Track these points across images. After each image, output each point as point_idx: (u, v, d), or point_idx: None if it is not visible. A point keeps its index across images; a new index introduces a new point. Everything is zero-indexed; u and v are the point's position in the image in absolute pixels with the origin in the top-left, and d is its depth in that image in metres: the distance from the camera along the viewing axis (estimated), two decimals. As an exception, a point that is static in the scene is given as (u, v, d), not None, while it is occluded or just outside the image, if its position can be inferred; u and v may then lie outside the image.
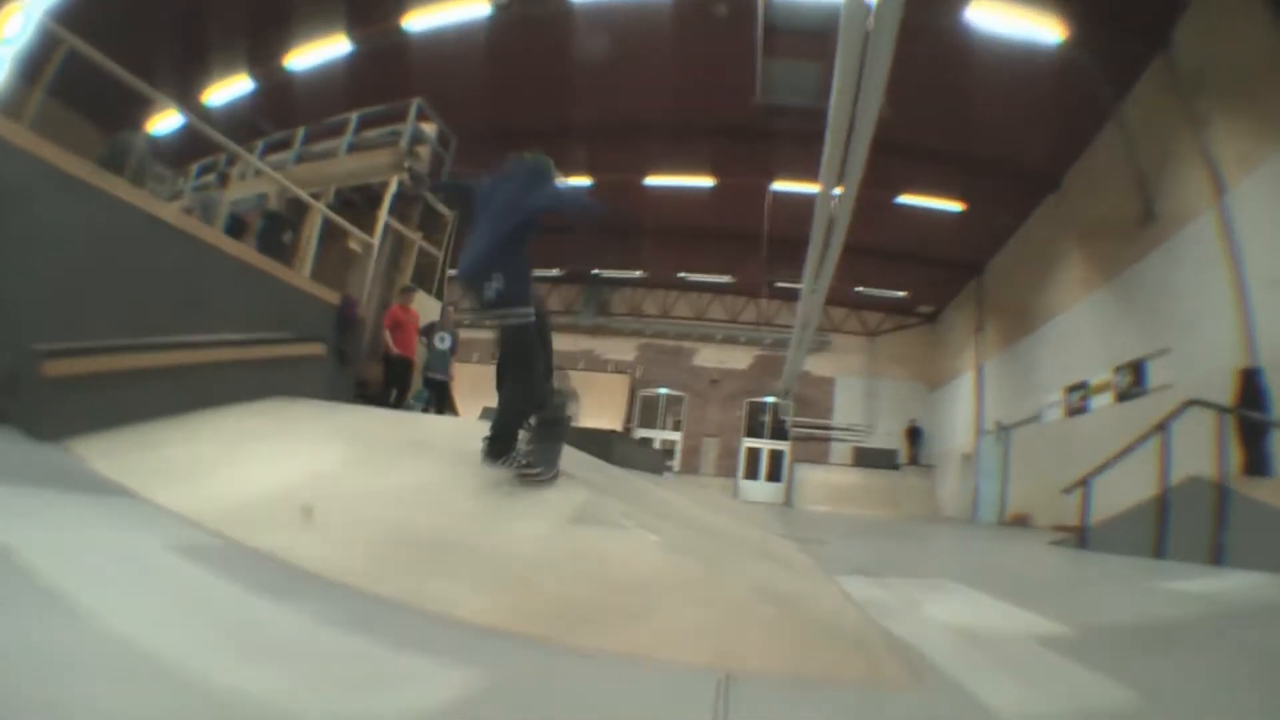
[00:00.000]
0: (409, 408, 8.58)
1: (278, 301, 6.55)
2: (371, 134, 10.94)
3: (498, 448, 3.62)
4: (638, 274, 24.08)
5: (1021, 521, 14.64)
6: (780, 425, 24.48)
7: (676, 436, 25.29)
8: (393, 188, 9.89)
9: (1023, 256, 17.17)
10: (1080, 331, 13.78)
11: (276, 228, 8.20)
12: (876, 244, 18.07)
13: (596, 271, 24.69)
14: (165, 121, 11.26)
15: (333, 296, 7.72)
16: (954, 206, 16.60)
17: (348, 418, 5.29)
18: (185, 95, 13.47)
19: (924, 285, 21.94)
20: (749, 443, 24.92)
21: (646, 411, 25.91)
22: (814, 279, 14.60)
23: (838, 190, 11.23)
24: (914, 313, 24.65)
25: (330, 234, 8.59)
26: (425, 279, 10.91)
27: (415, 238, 10.83)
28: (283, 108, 13.27)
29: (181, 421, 4.68)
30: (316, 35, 13.30)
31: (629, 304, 26.70)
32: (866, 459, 22.86)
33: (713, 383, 25.34)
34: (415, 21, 12.87)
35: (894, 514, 19.59)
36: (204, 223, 6.22)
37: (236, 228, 7.67)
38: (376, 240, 9.41)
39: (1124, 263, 12.14)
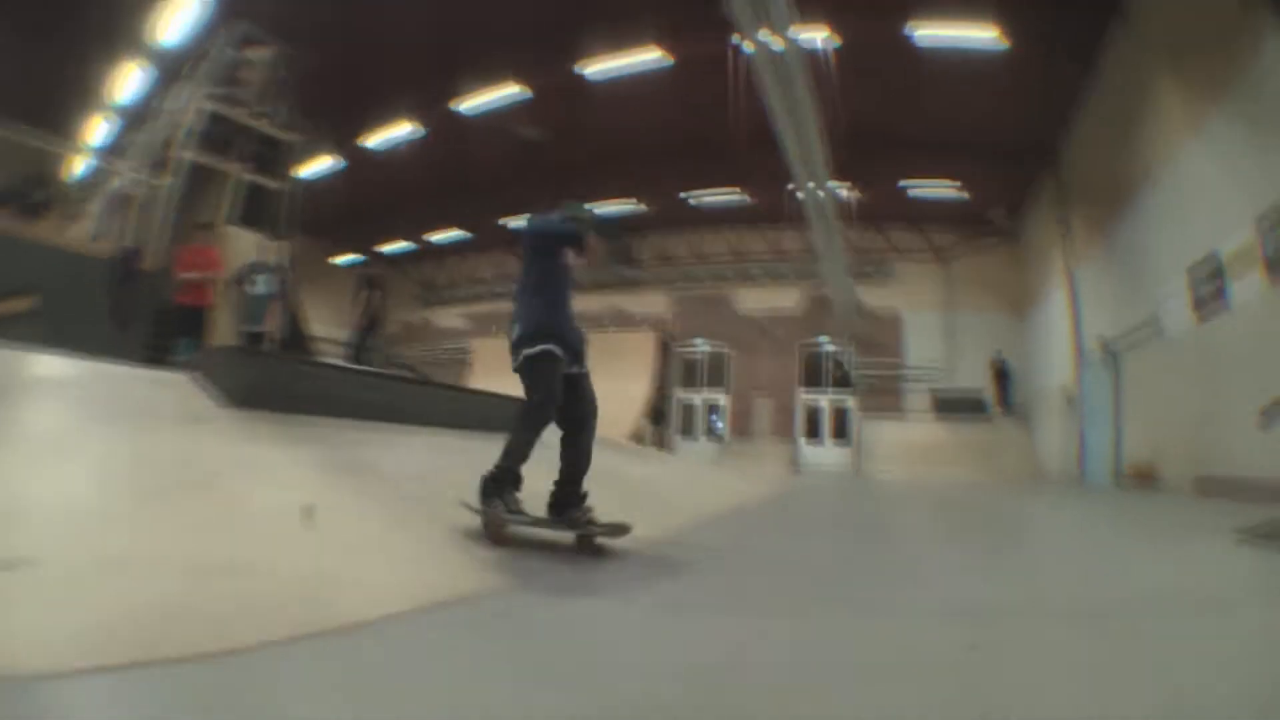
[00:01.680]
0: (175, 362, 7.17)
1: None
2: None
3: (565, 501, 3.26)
4: (638, 207, 19.98)
5: (1146, 479, 10.22)
6: (843, 372, 20.23)
7: (722, 398, 21.57)
8: (189, 120, 9.56)
9: (1101, 118, 12.55)
10: (1195, 180, 9.27)
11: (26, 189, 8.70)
12: (913, 127, 14.85)
13: (606, 218, 21.19)
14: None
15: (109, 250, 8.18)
16: (986, 35, 11.95)
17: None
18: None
19: (988, 181, 17.01)
20: (806, 396, 20.80)
21: (687, 373, 22.33)
22: (802, 162, 10.70)
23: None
24: (987, 227, 19.62)
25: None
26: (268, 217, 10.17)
27: (235, 170, 9.97)
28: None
29: None
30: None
31: (656, 250, 23.10)
32: (948, 406, 18.48)
33: (761, 331, 21.31)
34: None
35: (985, 475, 15.40)
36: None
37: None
38: (167, 180, 9.12)
39: (1241, 68, 7.98)
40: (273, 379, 4.64)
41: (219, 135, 9.76)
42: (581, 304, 17.79)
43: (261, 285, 7.93)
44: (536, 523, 3.12)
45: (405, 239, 23.28)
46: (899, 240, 20.67)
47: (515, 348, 3.29)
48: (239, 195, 9.86)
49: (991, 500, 9.11)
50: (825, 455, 19.93)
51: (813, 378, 20.92)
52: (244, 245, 9.02)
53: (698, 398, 21.90)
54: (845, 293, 16.94)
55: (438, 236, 22.78)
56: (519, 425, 3.17)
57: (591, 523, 3.18)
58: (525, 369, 3.23)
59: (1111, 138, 11.85)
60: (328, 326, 13.39)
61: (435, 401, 6.21)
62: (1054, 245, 15.56)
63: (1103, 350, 12.35)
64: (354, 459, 3.90)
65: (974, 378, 18.70)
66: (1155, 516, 6.89)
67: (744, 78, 11.54)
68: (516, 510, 3.06)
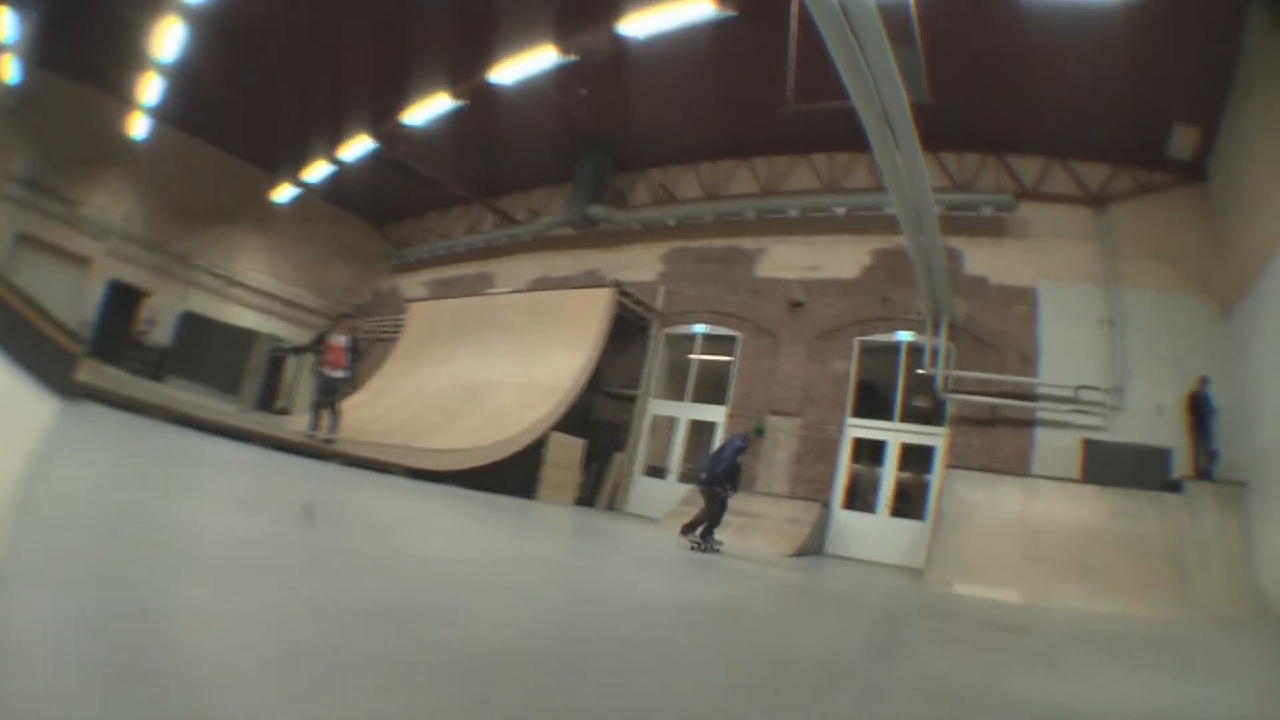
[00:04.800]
0: None
1: None
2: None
3: (700, 530, 8.09)
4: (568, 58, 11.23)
5: None
6: (928, 389, 11.60)
7: (719, 414, 13.35)
8: None
9: None
10: None
11: None
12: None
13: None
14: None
15: None
16: None
17: None
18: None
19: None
20: (857, 427, 12.14)
21: (672, 373, 14.53)
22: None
23: None
24: (1164, 162, 10.54)
25: None
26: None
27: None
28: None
29: None
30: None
31: (652, 189, 15.58)
32: (1106, 465, 9.61)
33: (793, 306, 13.02)
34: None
35: (1163, 606, 7.14)
36: None
37: None
38: None
39: None
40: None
41: None
42: (550, 265, 16.59)
43: None
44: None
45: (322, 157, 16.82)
46: (1024, 170, 11.78)
47: (721, 484, 8.07)
48: None
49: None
50: (875, 534, 11.36)
51: (871, 400, 12.27)
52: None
53: (681, 412, 13.85)
54: (924, 239, 8.57)
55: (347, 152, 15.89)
56: (719, 514, 8.07)
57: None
58: (724, 499, 8.12)
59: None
60: None
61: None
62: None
63: None
64: None
65: (1155, 413, 9.64)
66: None
67: None
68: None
